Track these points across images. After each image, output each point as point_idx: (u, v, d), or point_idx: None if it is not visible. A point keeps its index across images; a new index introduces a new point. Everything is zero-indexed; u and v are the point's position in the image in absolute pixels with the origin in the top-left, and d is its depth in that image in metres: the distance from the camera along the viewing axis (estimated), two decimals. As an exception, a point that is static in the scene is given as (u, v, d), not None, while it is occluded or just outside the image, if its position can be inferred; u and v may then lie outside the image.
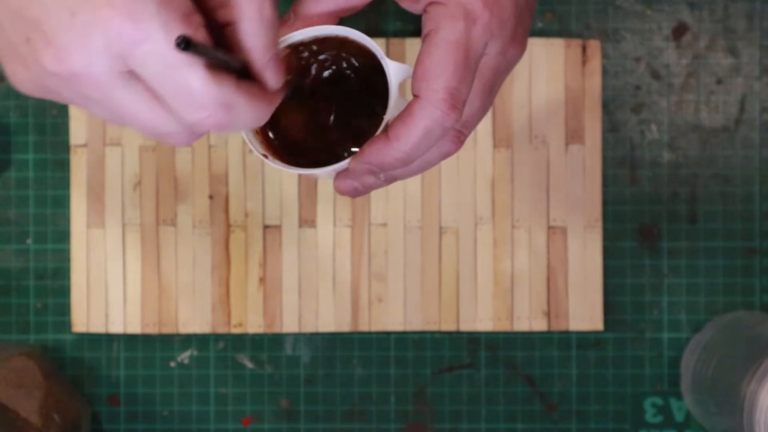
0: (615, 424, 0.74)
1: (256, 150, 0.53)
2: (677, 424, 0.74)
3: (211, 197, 0.73)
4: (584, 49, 0.73)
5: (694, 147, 0.74)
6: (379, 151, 0.50)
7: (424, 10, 0.51)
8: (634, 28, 0.74)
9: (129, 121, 0.45)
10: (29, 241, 0.74)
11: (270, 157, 0.53)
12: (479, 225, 0.73)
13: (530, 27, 0.54)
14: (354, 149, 0.53)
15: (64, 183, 0.74)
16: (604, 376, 0.74)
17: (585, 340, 0.74)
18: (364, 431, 0.74)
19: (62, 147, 0.74)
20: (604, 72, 0.74)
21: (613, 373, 0.74)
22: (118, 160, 0.73)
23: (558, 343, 0.74)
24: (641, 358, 0.74)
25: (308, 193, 0.73)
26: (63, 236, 0.74)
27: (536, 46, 0.73)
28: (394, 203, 0.73)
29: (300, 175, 0.72)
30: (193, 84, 0.43)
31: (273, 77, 0.47)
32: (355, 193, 0.54)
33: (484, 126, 0.73)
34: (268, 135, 0.55)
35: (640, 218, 0.74)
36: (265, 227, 0.73)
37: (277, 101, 0.48)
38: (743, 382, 0.62)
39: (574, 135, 0.73)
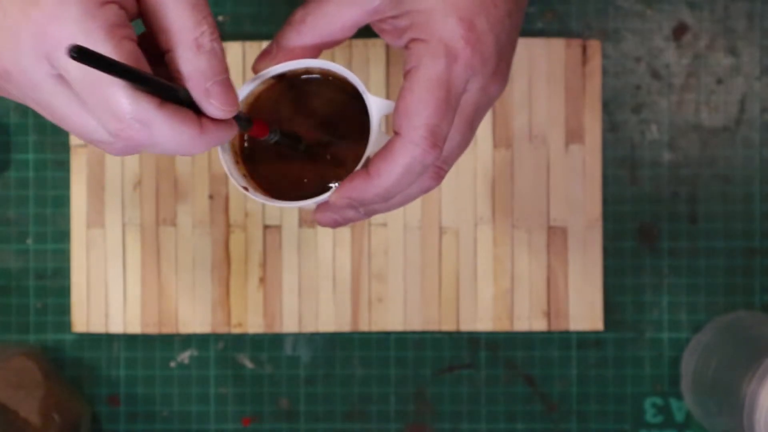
0: (615, 424, 0.74)
1: (236, 182, 0.53)
2: (677, 425, 0.74)
3: (211, 197, 0.73)
4: (584, 49, 0.73)
5: (694, 147, 0.74)
6: (359, 187, 0.50)
7: (407, 46, 0.52)
8: (634, 28, 0.74)
9: (65, 125, 0.46)
10: (29, 241, 0.74)
11: (251, 190, 0.53)
12: (479, 225, 0.73)
13: (512, 61, 0.55)
14: (335, 183, 0.53)
15: (64, 183, 0.74)
16: (604, 376, 0.74)
17: (585, 340, 0.74)
18: (364, 431, 0.74)
19: (62, 147, 0.74)
20: (604, 72, 0.74)
21: (613, 373, 0.74)
22: (118, 160, 0.73)
23: (558, 343, 0.74)
24: (641, 359, 0.74)
25: (308, 193, 0.73)
26: (63, 236, 0.74)
27: (536, 46, 0.73)
28: (394, 203, 0.73)
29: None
30: (107, 93, 0.43)
31: (212, 106, 0.46)
32: (335, 225, 0.54)
33: (484, 126, 0.73)
34: (249, 167, 0.55)
35: (640, 218, 0.74)
36: (265, 227, 0.73)
37: (226, 132, 0.47)
38: (743, 382, 0.62)
39: (574, 135, 0.73)
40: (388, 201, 0.52)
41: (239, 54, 0.73)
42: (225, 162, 0.53)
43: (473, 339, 0.74)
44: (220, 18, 0.74)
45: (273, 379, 0.74)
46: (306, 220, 0.73)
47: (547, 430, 0.74)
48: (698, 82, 0.74)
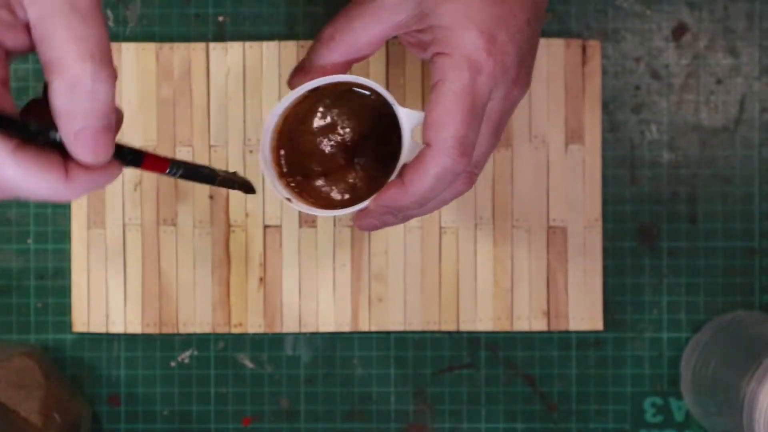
0: (615, 424, 0.74)
1: (280, 193, 0.57)
2: (677, 424, 0.74)
3: (211, 197, 0.73)
4: (584, 49, 0.73)
5: (694, 147, 0.74)
6: (395, 195, 0.53)
7: (431, 60, 0.54)
8: (634, 28, 0.74)
9: None
10: (30, 241, 0.74)
11: (294, 200, 0.57)
12: (479, 225, 0.73)
13: (533, 64, 0.57)
14: (372, 190, 0.56)
15: (65, 183, 0.74)
16: (604, 376, 0.74)
17: (585, 340, 0.74)
18: (364, 431, 0.74)
19: (63, 147, 0.74)
20: (604, 72, 0.74)
21: (613, 373, 0.74)
22: (119, 160, 0.73)
23: (558, 342, 0.74)
24: (641, 358, 0.74)
25: (308, 193, 0.73)
26: (63, 236, 0.74)
27: (536, 46, 0.73)
28: (394, 203, 0.73)
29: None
30: None
31: (79, 152, 0.41)
32: (374, 229, 0.58)
33: (484, 126, 0.73)
34: (291, 178, 0.58)
35: (640, 218, 0.74)
36: (266, 227, 0.73)
37: (100, 178, 0.43)
38: (743, 382, 0.63)
39: (574, 135, 0.73)
40: (423, 206, 0.55)
41: (239, 54, 0.73)
42: (268, 176, 0.56)
43: (473, 339, 0.74)
44: (220, 18, 0.74)
45: (273, 378, 0.74)
46: (306, 220, 0.73)
47: (547, 429, 0.74)
48: (698, 83, 0.74)
